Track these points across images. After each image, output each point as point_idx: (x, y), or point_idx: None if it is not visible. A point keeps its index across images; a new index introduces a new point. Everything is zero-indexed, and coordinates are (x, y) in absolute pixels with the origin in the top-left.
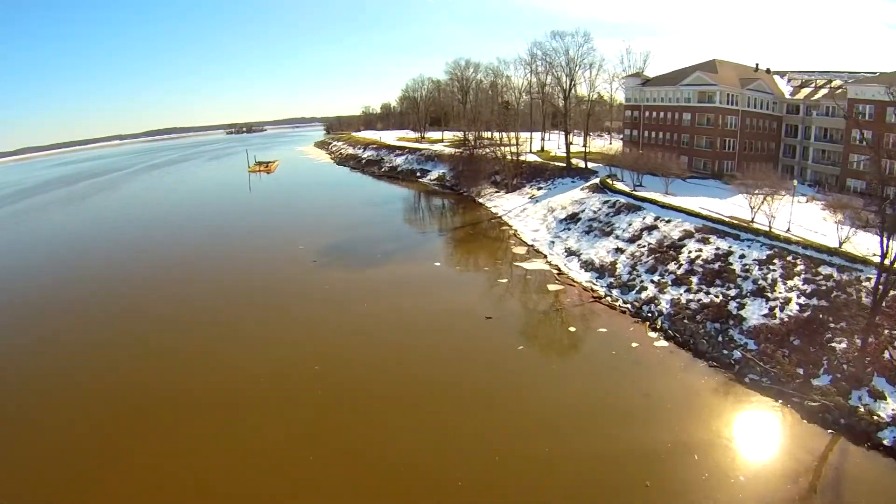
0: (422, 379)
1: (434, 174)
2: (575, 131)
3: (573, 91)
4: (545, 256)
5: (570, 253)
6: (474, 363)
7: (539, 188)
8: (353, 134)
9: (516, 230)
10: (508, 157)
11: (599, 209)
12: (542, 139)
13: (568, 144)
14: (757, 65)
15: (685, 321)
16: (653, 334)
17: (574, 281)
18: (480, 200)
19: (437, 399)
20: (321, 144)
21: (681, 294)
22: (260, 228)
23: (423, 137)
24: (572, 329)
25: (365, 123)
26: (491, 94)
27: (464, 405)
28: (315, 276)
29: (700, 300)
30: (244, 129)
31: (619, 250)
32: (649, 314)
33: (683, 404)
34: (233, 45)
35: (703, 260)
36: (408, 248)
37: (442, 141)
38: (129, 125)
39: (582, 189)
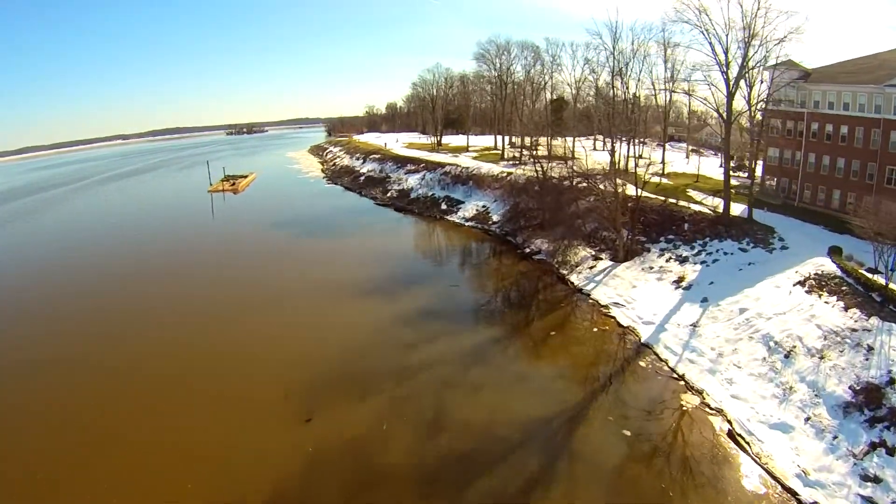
0: None
1: (469, 208)
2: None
3: (744, 78)
4: None
5: None
6: None
7: (680, 258)
8: (354, 138)
9: (726, 414)
10: (608, 186)
11: None
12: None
13: (727, 175)
14: None
15: None
16: None
17: None
18: (575, 280)
19: None
20: (316, 150)
21: None
22: (130, 398)
23: (439, 144)
24: None
25: (368, 125)
26: (532, 89)
27: None
28: None
29: None
30: (244, 130)
31: None
32: None
33: None
34: (237, 46)
35: None
36: None
37: (467, 150)
38: (133, 125)
39: (811, 290)
